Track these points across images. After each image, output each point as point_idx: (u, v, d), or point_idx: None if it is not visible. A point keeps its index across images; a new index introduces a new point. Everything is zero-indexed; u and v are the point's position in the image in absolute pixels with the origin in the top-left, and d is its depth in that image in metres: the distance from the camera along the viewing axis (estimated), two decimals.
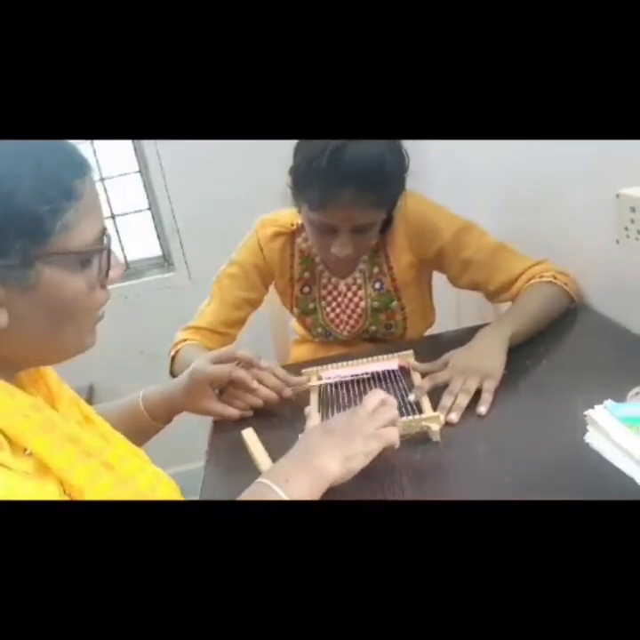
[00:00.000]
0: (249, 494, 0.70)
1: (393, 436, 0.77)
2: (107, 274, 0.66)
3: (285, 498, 0.67)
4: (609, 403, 0.65)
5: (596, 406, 0.65)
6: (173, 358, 1.21)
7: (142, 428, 0.97)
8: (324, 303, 1.32)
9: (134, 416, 0.97)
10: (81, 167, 0.62)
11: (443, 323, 1.47)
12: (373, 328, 1.31)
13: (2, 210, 0.55)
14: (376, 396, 0.82)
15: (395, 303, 1.28)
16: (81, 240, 0.61)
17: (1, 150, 0.56)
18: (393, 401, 0.82)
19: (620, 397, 0.75)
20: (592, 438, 0.63)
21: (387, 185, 1.05)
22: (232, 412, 0.99)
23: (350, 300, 1.29)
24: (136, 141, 2.19)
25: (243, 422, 0.97)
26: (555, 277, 1.12)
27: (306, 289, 1.32)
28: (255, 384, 0.98)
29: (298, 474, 0.71)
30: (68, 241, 0.60)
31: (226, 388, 1.01)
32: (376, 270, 1.27)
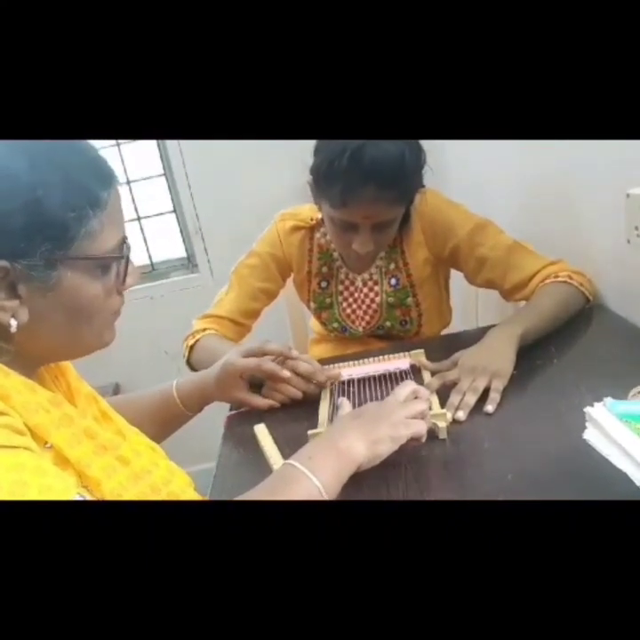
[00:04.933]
0: (275, 475, 0.72)
1: (421, 427, 0.77)
2: (123, 281, 0.70)
3: (309, 474, 0.68)
4: (608, 400, 0.66)
5: (595, 404, 0.66)
6: (192, 347, 1.23)
7: (174, 415, 1.01)
8: (340, 298, 1.33)
9: (166, 404, 1.01)
10: (108, 178, 0.65)
11: (461, 324, 1.48)
12: (388, 324, 1.32)
13: (31, 214, 0.59)
14: (408, 387, 0.83)
15: (410, 299, 1.30)
16: (102, 247, 0.65)
17: (33, 158, 0.59)
18: (425, 393, 0.83)
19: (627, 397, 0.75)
20: (590, 435, 0.64)
21: (407, 181, 1.07)
22: (261, 402, 1.03)
23: (366, 295, 1.31)
24: (161, 145, 2.23)
25: (256, 417, 1.00)
26: (570, 277, 1.12)
27: (323, 284, 1.34)
28: (286, 373, 1.01)
29: (322, 453, 0.72)
30: (90, 247, 0.63)
31: (266, 382, 1.04)
32: (392, 266, 1.28)
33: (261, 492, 0.69)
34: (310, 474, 0.68)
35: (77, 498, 0.58)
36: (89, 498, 0.63)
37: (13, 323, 0.61)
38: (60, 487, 0.57)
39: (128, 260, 0.69)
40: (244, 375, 1.02)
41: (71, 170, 0.61)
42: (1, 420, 0.58)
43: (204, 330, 1.26)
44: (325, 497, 0.68)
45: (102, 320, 0.69)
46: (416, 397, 0.83)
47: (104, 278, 0.67)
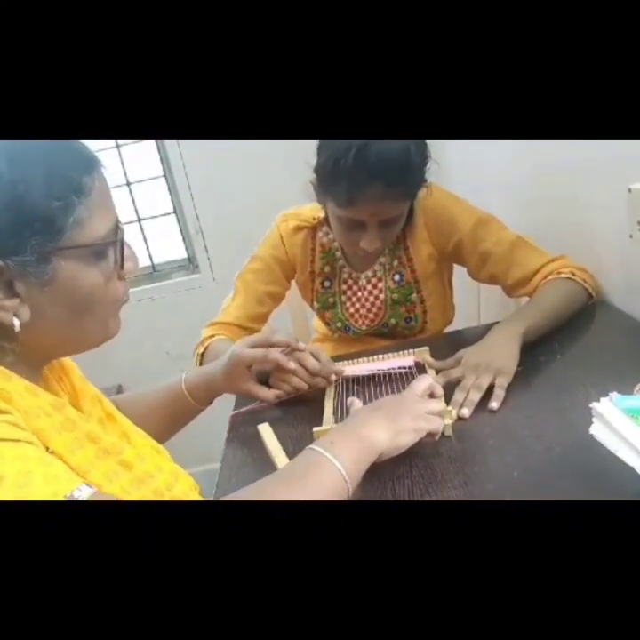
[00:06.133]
0: (296, 460, 0.71)
1: (440, 423, 0.78)
2: (122, 265, 0.68)
3: (331, 459, 0.67)
4: (614, 395, 0.66)
5: (601, 399, 0.66)
6: (202, 354, 1.23)
7: (183, 409, 1.01)
8: (343, 298, 1.33)
9: (176, 398, 1.00)
10: (89, 164, 0.64)
11: (464, 321, 1.48)
12: (393, 321, 1.32)
13: (15, 210, 0.58)
14: (425, 381, 0.83)
15: (414, 295, 1.29)
16: (93, 234, 0.64)
17: (10, 151, 0.58)
18: (440, 390, 0.84)
19: (632, 392, 0.75)
20: (597, 430, 0.63)
21: (413, 177, 1.06)
22: (268, 393, 1.02)
23: (370, 292, 1.30)
24: (160, 146, 2.23)
25: (260, 417, 1.00)
26: (573, 274, 1.12)
27: (326, 283, 1.34)
28: (292, 365, 1.00)
29: (344, 439, 0.71)
30: (80, 235, 0.62)
31: (272, 372, 1.04)
32: (396, 263, 1.27)
33: (283, 476, 0.68)
34: (333, 458, 0.67)
35: (83, 486, 0.56)
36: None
37: (16, 322, 0.61)
38: (65, 477, 0.57)
39: (123, 244, 0.68)
40: (252, 367, 1.02)
41: (50, 160, 0.61)
42: (3, 417, 0.57)
43: (213, 336, 1.25)
44: (348, 481, 0.67)
45: (105, 309, 0.68)
46: (431, 392, 0.83)
47: (101, 265, 0.66)
